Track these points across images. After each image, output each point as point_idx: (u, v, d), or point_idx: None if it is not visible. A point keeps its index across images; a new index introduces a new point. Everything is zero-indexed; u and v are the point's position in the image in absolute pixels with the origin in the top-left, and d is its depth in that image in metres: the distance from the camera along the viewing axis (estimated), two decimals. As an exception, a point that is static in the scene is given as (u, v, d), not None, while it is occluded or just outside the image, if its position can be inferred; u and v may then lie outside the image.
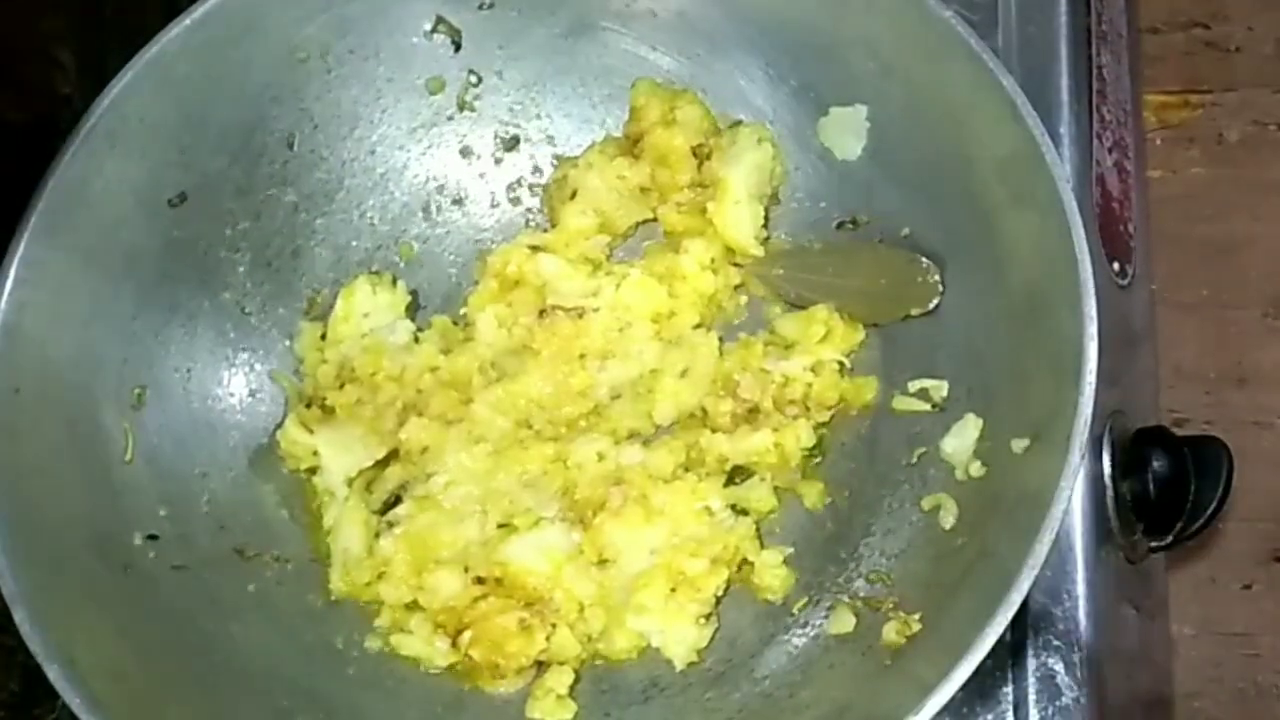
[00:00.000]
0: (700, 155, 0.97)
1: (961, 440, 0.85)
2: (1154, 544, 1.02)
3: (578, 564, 0.90)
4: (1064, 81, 1.04)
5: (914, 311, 0.91)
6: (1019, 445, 0.80)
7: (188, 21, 0.89)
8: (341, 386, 0.95)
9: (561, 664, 0.89)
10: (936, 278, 0.89)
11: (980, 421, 0.84)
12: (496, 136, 1.02)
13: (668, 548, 0.90)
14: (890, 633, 0.81)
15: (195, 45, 0.90)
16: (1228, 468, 1.00)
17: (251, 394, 0.97)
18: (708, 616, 0.89)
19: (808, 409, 0.93)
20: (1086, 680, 0.87)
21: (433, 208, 1.02)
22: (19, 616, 0.78)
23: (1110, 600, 0.94)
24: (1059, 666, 0.88)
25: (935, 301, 0.90)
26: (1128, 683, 1.00)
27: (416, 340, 0.97)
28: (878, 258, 0.93)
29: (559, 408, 0.94)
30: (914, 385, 0.90)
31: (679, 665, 0.88)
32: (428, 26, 0.97)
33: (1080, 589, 0.89)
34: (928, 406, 0.89)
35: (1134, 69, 1.20)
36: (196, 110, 0.92)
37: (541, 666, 0.89)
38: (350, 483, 0.93)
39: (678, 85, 0.98)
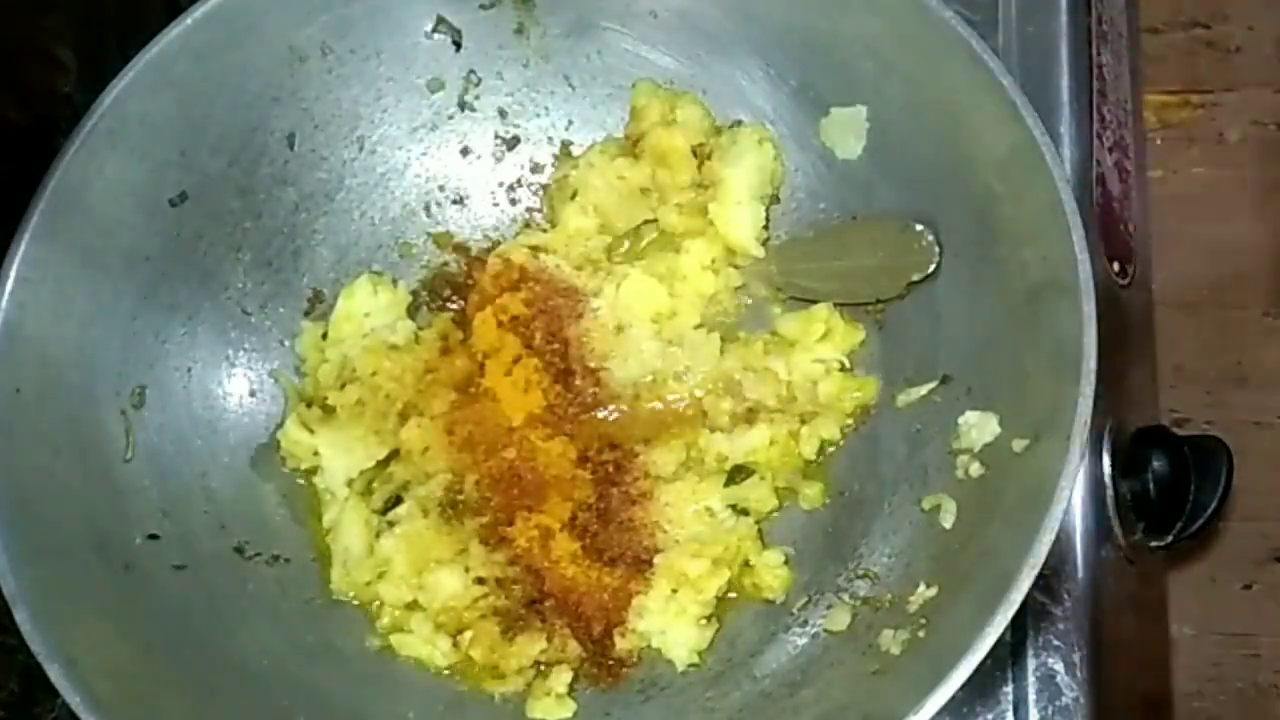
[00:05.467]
0: (701, 155, 0.97)
1: (981, 434, 0.84)
2: (1154, 544, 1.02)
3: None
4: (1064, 81, 1.04)
5: (915, 277, 0.90)
6: (1019, 445, 0.80)
7: (188, 21, 0.89)
8: (342, 387, 0.95)
9: (561, 664, 0.89)
10: (931, 238, 0.89)
11: (996, 418, 0.84)
12: (496, 136, 1.02)
13: (669, 548, 0.91)
14: (890, 633, 0.81)
15: (196, 45, 0.90)
16: (1228, 468, 1.00)
17: (252, 394, 0.97)
18: (708, 617, 0.89)
19: (808, 408, 0.93)
20: (1086, 680, 0.87)
21: (433, 207, 1.02)
22: (20, 616, 0.78)
23: (1110, 600, 0.94)
24: (1059, 666, 0.88)
25: (934, 264, 0.90)
26: (1128, 683, 1.00)
27: (417, 340, 0.97)
28: (870, 232, 0.93)
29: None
30: (914, 385, 0.90)
31: (680, 666, 0.89)
32: (428, 26, 0.97)
33: (1080, 589, 0.89)
34: (927, 406, 0.89)
35: (1134, 69, 1.20)
36: (197, 110, 0.92)
37: (541, 666, 0.90)
38: (351, 483, 0.93)
39: (678, 85, 0.98)
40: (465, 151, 1.02)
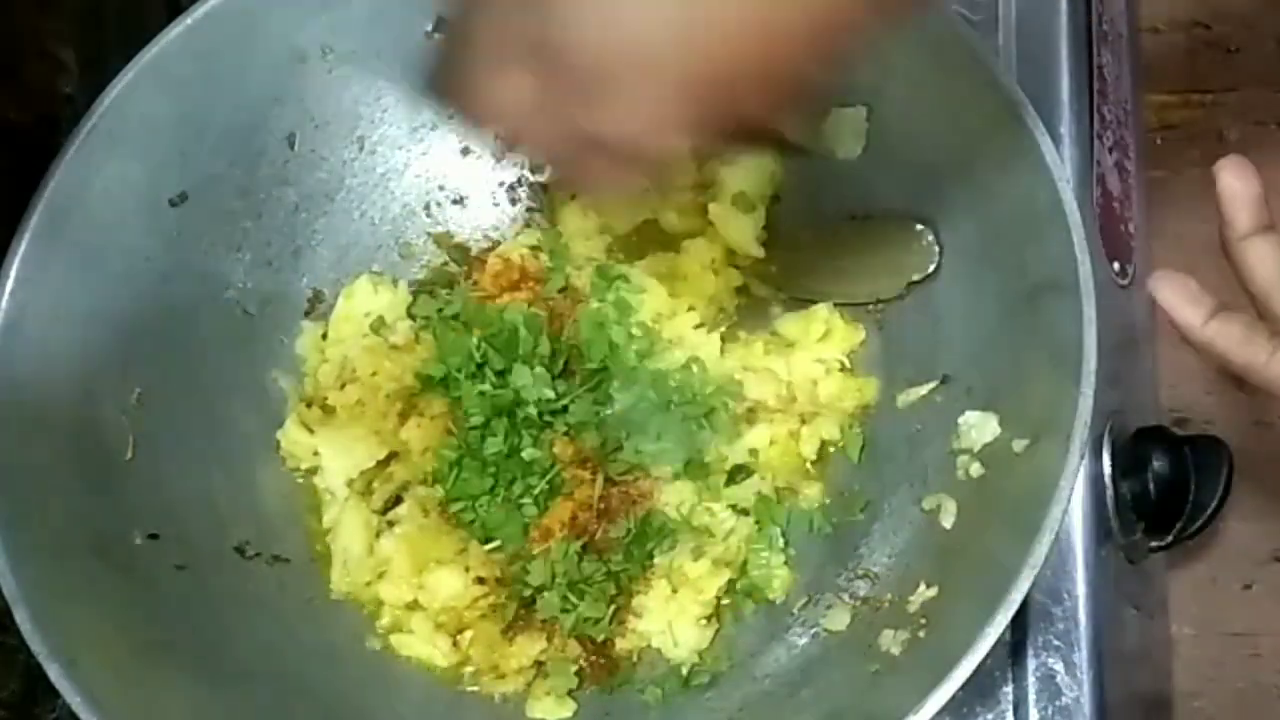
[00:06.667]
0: (700, 155, 0.97)
1: (981, 434, 0.84)
2: (1154, 544, 1.02)
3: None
4: (1064, 81, 1.04)
5: (915, 277, 0.90)
6: (1019, 445, 0.80)
7: (189, 21, 0.89)
8: (342, 386, 0.95)
9: (561, 664, 0.89)
10: (931, 238, 0.89)
11: (996, 418, 0.84)
12: (497, 136, 1.02)
13: (669, 548, 0.90)
14: (890, 633, 0.82)
15: (196, 45, 0.90)
16: (1228, 467, 1.00)
17: (252, 394, 0.97)
18: (709, 618, 0.89)
19: (808, 408, 0.93)
20: (1086, 680, 0.87)
21: (433, 207, 1.02)
22: (20, 616, 0.78)
23: (1110, 600, 0.94)
24: (1059, 666, 0.88)
25: (934, 264, 0.89)
26: (1128, 683, 1.00)
27: (417, 340, 0.97)
28: (871, 232, 0.93)
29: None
30: (914, 385, 0.90)
31: (680, 666, 0.88)
32: (429, 27, 0.97)
33: (1080, 589, 0.89)
34: (927, 406, 0.89)
35: (1134, 69, 1.20)
36: (197, 110, 0.92)
37: (541, 666, 0.90)
38: (351, 483, 0.93)
39: (678, 85, 0.98)
40: (465, 151, 1.02)
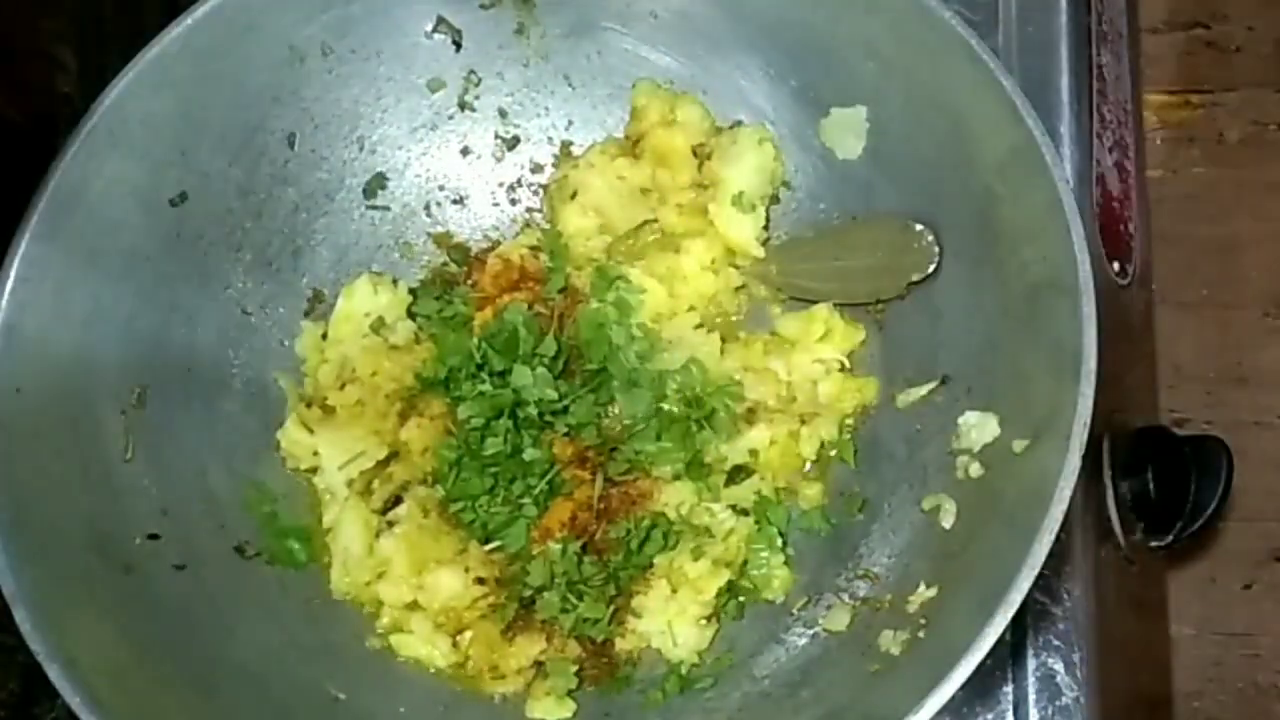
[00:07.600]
0: (701, 155, 0.97)
1: (981, 434, 0.84)
2: (1154, 544, 1.03)
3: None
4: (1064, 81, 1.04)
5: (915, 278, 0.91)
6: (1019, 445, 0.80)
7: (189, 21, 0.89)
8: (342, 387, 0.95)
9: (561, 664, 0.89)
10: (931, 238, 0.89)
11: (996, 418, 0.84)
12: (497, 136, 1.02)
13: (669, 548, 0.91)
14: (890, 633, 0.82)
15: (196, 45, 0.90)
16: (1228, 468, 1.00)
17: (252, 394, 0.97)
18: (708, 617, 0.89)
19: (808, 409, 0.93)
20: (1086, 680, 0.88)
21: (433, 207, 1.03)
22: (19, 616, 0.78)
23: (1110, 600, 0.94)
24: (1059, 666, 0.88)
25: (933, 265, 0.90)
26: (1128, 683, 1.00)
27: (417, 340, 0.97)
28: (871, 232, 0.93)
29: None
30: (914, 385, 0.90)
31: (680, 666, 0.88)
32: (429, 26, 0.97)
33: (1080, 589, 0.89)
34: (927, 406, 0.89)
35: (1134, 69, 1.21)
36: (197, 110, 0.92)
37: (541, 667, 0.90)
38: (351, 483, 0.93)
39: (678, 85, 0.98)
40: (465, 151, 1.02)
